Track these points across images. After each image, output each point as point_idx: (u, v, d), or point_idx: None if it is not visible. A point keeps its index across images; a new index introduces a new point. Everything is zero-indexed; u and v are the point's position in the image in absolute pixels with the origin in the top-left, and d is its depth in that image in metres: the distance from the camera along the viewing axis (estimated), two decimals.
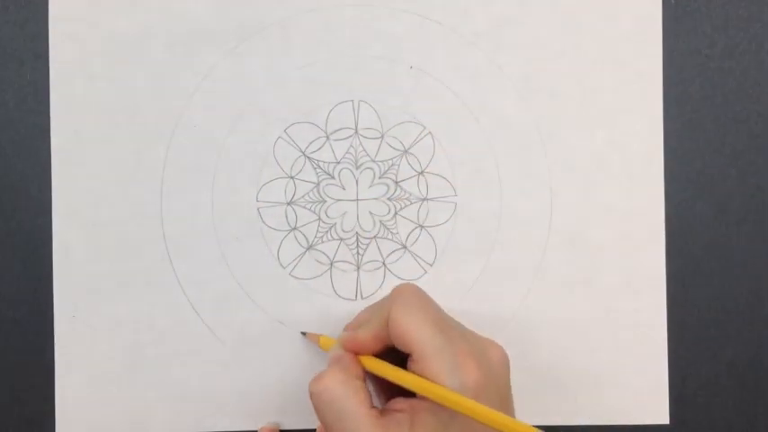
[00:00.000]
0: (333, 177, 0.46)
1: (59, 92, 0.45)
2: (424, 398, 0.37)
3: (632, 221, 0.46)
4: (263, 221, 0.45)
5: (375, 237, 0.46)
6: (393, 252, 0.46)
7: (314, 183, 0.45)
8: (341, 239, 0.45)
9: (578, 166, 0.46)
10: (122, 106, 0.45)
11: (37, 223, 0.45)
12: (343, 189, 0.46)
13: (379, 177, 0.46)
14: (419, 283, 0.45)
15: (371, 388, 0.41)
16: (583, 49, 0.46)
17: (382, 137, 0.46)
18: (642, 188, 0.46)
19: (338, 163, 0.46)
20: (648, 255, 0.46)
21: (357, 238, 0.46)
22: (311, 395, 0.38)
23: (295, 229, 0.45)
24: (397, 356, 0.39)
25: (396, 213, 0.46)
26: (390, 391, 0.40)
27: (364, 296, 0.45)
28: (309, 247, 0.45)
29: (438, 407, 0.36)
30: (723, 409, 0.46)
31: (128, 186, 0.45)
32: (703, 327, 0.46)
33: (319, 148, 0.46)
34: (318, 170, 0.45)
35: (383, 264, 0.45)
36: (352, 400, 0.37)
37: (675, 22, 0.46)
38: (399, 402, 0.38)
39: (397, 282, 0.45)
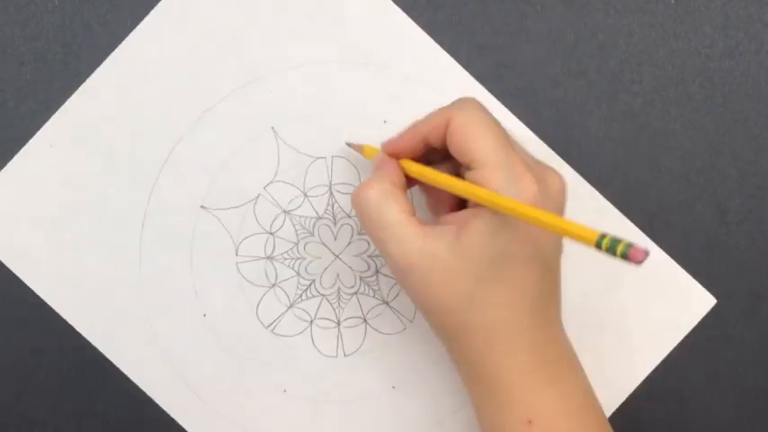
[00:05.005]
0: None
1: None
2: (474, 209, 0.37)
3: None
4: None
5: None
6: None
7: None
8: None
9: None
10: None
11: None
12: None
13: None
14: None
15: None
16: None
17: None
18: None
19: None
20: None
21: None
22: (353, 206, 0.39)
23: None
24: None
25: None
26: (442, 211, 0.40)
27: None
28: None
29: (488, 213, 0.36)
30: (723, 409, 0.47)
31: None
32: (703, 327, 0.46)
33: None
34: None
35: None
36: (391, 207, 0.37)
37: (675, 22, 0.46)
38: (447, 217, 0.38)
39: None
